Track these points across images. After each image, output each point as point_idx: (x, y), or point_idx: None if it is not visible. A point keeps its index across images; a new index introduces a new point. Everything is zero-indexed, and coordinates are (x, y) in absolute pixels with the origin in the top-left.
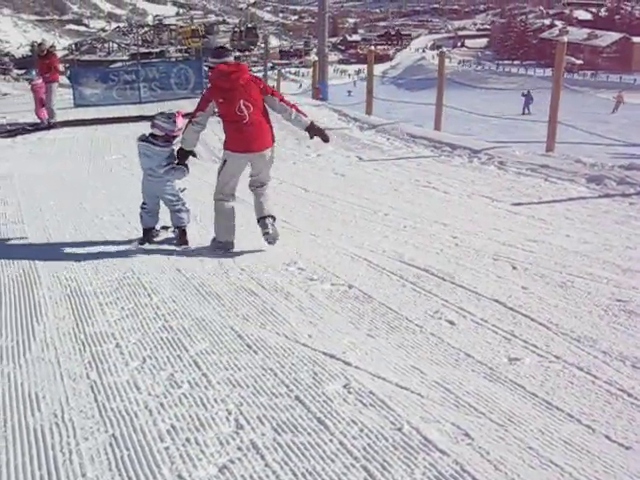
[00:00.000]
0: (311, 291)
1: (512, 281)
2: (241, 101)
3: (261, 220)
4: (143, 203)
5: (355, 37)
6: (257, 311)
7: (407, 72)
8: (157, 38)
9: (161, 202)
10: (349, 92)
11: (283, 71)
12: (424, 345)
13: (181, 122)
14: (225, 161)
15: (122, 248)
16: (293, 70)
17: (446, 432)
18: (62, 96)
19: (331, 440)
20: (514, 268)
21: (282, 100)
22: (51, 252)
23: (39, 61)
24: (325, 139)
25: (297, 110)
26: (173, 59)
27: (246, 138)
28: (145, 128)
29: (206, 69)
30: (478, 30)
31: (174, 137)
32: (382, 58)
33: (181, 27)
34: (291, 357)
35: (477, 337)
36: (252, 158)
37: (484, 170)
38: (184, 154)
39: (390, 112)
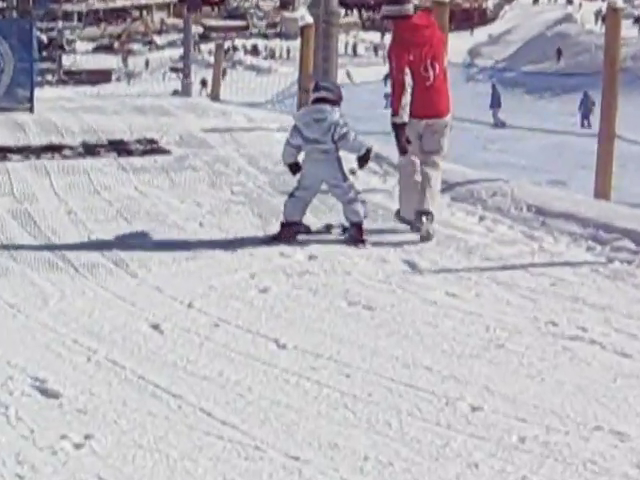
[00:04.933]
0: None
1: None
2: (429, 60)
3: (417, 214)
4: (295, 189)
5: None
6: None
7: (527, 51)
8: None
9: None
10: (387, 98)
11: (228, 46)
12: None
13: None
14: None
15: None
16: (250, 43)
17: None
18: None
19: None
20: None
21: None
22: None
23: None
24: None
25: None
26: None
27: (426, 102)
28: None
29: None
30: None
31: (340, 101)
32: (469, 17)
33: None
34: None
35: None
36: (426, 126)
37: None
38: (400, 129)
39: (487, 148)
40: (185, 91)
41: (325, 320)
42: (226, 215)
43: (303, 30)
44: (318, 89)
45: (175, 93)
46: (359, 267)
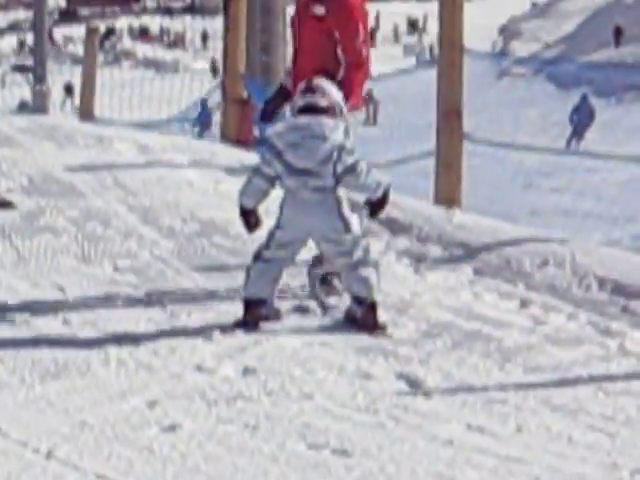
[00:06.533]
0: None
1: None
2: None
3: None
4: (264, 247)
5: None
6: None
7: (594, 30)
8: None
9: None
10: (369, 113)
11: (108, 28)
12: None
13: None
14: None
15: None
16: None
17: None
18: None
19: None
20: None
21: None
22: None
23: None
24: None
25: None
26: None
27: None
28: None
29: None
30: None
31: (342, 112)
32: None
33: None
34: None
35: None
36: None
37: None
38: None
39: (535, 186)
40: (39, 104)
41: (271, 475)
42: (107, 305)
43: (229, 2)
44: (309, 90)
45: (22, 108)
46: (326, 386)
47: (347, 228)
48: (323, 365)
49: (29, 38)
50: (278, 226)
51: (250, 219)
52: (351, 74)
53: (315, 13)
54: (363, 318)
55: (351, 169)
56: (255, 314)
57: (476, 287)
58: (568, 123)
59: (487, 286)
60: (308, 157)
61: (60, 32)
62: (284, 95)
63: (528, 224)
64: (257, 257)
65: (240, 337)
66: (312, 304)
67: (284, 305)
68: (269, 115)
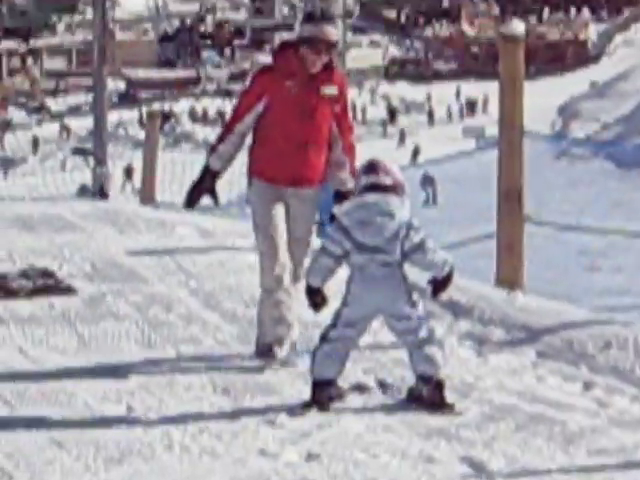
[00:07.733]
0: None
1: None
2: None
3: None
4: (331, 327)
5: None
6: None
7: None
8: None
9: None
10: (428, 195)
11: (167, 112)
12: None
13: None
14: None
15: None
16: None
17: None
18: None
19: None
20: None
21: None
22: None
23: None
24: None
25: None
26: None
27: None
28: None
29: None
30: None
31: (404, 191)
32: (560, 55)
33: None
34: None
35: None
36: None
37: None
38: None
39: (596, 267)
40: (99, 188)
41: None
42: (169, 392)
43: None
44: (373, 170)
45: (82, 192)
46: (390, 471)
47: (413, 304)
48: (387, 449)
49: (73, 123)
50: (345, 304)
51: (317, 298)
52: (352, 151)
53: (329, 94)
54: (430, 397)
55: (419, 246)
56: (323, 395)
57: (539, 370)
58: None
59: (550, 369)
60: (377, 234)
61: (117, 115)
62: (211, 178)
63: (590, 306)
64: (324, 338)
65: (303, 421)
66: (370, 382)
67: (342, 384)
68: (193, 202)
